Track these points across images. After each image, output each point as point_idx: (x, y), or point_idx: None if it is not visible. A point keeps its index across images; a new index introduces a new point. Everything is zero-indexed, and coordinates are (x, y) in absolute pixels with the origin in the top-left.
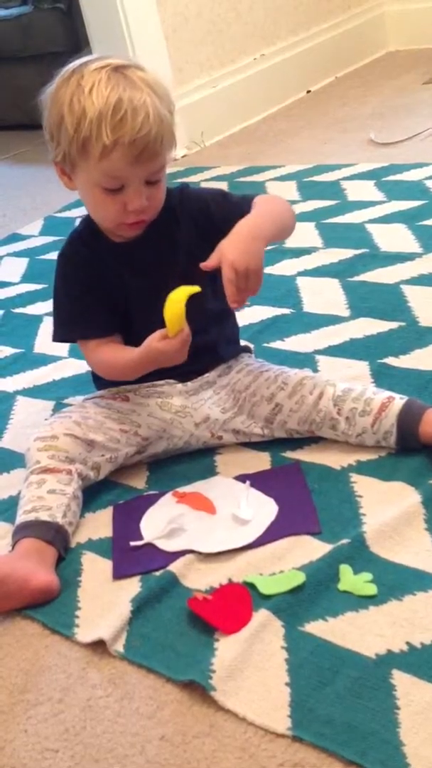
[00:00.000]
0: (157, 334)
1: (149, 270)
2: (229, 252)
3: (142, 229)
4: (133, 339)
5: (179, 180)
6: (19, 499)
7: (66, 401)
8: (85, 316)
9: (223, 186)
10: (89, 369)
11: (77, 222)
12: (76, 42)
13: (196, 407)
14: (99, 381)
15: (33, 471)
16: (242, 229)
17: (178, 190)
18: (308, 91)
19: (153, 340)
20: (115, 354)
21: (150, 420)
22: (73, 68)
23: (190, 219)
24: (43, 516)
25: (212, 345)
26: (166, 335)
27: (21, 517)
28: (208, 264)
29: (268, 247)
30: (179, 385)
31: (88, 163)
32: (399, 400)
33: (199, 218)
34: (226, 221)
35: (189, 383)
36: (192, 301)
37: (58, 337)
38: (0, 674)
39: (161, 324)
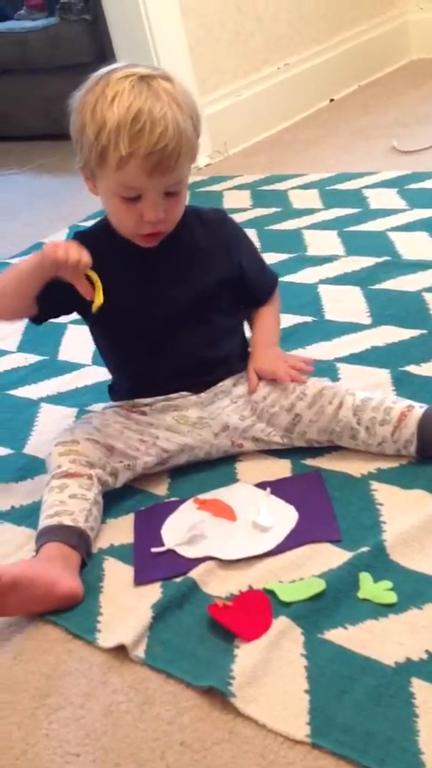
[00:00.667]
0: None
1: (158, 277)
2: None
3: (157, 241)
4: (123, 343)
5: (203, 189)
6: (41, 504)
7: (89, 408)
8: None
9: (246, 195)
10: (110, 378)
11: (91, 225)
12: (102, 53)
13: (214, 417)
14: (114, 393)
15: (54, 475)
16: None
17: (215, 211)
18: (331, 100)
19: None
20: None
21: (168, 434)
22: (100, 75)
23: (215, 239)
24: (66, 521)
25: (223, 358)
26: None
27: (44, 522)
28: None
29: (291, 255)
30: (193, 397)
31: (107, 172)
32: (419, 409)
33: (228, 250)
34: (249, 286)
35: (203, 394)
36: (201, 317)
37: None
38: (22, 678)
39: (158, 330)
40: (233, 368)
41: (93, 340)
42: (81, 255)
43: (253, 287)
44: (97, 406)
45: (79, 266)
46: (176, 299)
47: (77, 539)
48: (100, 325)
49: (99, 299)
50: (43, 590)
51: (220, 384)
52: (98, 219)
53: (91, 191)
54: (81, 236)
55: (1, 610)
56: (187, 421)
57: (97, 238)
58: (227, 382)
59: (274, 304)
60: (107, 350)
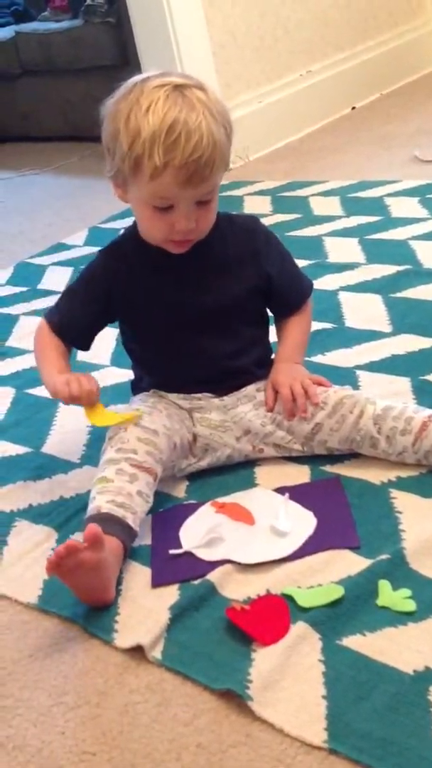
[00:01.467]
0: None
1: (187, 285)
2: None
3: (189, 247)
4: (153, 349)
5: (224, 194)
6: (102, 461)
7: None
8: (78, 321)
9: (267, 200)
10: (130, 378)
11: (121, 232)
12: (125, 56)
13: (236, 420)
14: (138, 389)
15: (128, 459)
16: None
17: (248, 218)
18: (353, 108)
19: (62, 381)
20: (51, 354)
21: (196, 436)
22: (134, 82)
23: (245, 247)
24: (129, 519)
25: (247, 367)
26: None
27: (108, 506)
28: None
29: (311, 262)
30: (216, 400)
31: (140, 181)
32: None
33: (258, 258)
34: (278, 295)
35: (225, 398)
36: (228, 326)
37: (49, 311)
38: (39, 676)
39: (185, 337)
40: (257, 374)
41: (121, 336)
42: (91, 385)
43: (282, 296)
44: (119, 408)
45: (91, 396)
46: (204, 308)
47: (131, 543)
48: (128, 324)
49: (109, 421)
50: (99, 585)
51: (244, 389)
52: (127, 227)
53: (120, 198)
54: (111, 250)
55: (73, 567)
56: (209, 424)
57: (127, 249)
58: (250, 388)
59: (304, 316)
60: (134, 348)
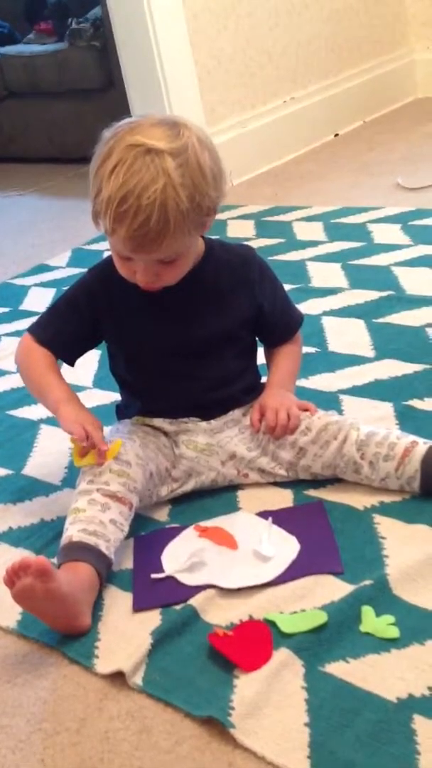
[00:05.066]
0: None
1: (178, 316)
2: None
3: (158, 289)
4: (140, 375)
5: None
6: (75, 493)
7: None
8: (63, 335)
9: (250, 225)
10: (113, 400)
11: (105, 254)
12: (110, 80)
13: (222, 445)
14: (122, 414)
15: (100, 489)
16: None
17: (243, 248)
18: (336, 135)
19: (72, 417)
20: (47, 374)
21: (179, 460)
22: (115, 131)
23: (239, 278)
24: (102, 546)
25: (235, 394)
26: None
27: (80, 534)
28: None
29: (295, 286)
30: (203, 423)
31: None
32: (423, 445)
33: (251, 289)
34: (268, 326)
35: (213, 421)
36: (217, 356)
37: (32, 327)
38: (18, 703)
39: (173, 364)
40: (244, 401)
41: (109, 361)
42: (95, 428)
43: (273, 328)
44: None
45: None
46: (193, 338)
47: (105, 570)
48: (115, 347)
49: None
50: (70, 612)
51: (230, 413)
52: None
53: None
54: (97, 274)
55: (22, 596)
56: (195, 447)
57: (114, 275)
58: (237, 412)
59: (295, 345)
60: (121, 372)
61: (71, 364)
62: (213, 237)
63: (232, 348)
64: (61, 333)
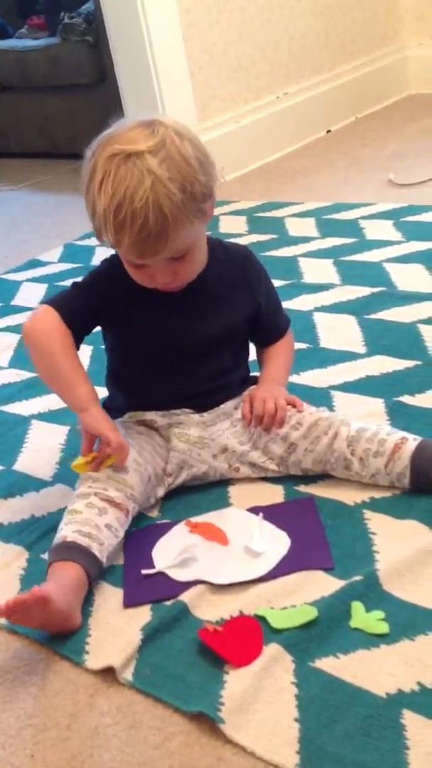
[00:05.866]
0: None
1: (182, 317)
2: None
3: (181, 287)
4: (136, 367)
5: None
6: (74, 500)
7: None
8: (82, 313)
9: (242, 221)
10: (103, 396)
11: (97, 250)
12: (103, 74)
13: (214, 438)
14: (112, 409)
15: (98, 494)
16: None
17: (241, 248)
18: (328, 131)
19: (100, 425)
20: (63, 347)
21: (172, 454)
22: (94, 148)
23: (240, 277)
24: (95, 549)
25: (226, 388)
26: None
27: (74, 535)
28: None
29: (286, 282)
30: (196, 416)
31: (108, 244)
32: (412, 442)
33: (251, 289)
34: (260, 325)
35: (206, 414)
36: (215, 352)
37: (55, 299)
38: (8, 698)
39: (172, 359)
40: (236, 392)
41: (105, 352)
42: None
43: (265, 327)
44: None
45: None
46: (196, 337)
47: (96, 572)
48: (114, 337)
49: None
50: (61, 618)
51: (222, 406)
52: None
53: None
54: (111, 268)
55: (23, 621)
56: (188, 440)
57: (123, 274)
58: (229, 404)
59: (286, 343)
60: (115, 363)
61: (77, 347)
62: (211, 236)
63: (231, 344)
64: (79, 311)
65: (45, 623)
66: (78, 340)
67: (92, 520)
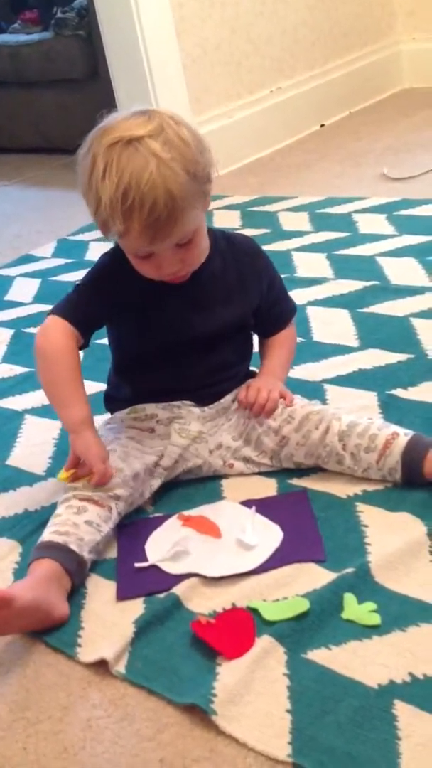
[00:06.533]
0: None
1: (188, 309)
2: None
3: (187, 277)
4: (140, 358)
5: None
6: (54, 513)
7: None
8: (92, 314)
9: (236, 215)
10: (100, 391)
11: (90, 245)
12: (95, 69)
13: (212, 433)
14: (111, 404)
15: (76, 495)
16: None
17: (248, 240)
18: (322, 125)
19: (89, 449)
20: (70, 368)
21: (171, 449)
22: (89, 142)
23: (248, 271)
24: (72, 544)
25: (231, 378)
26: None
27: (50, 536)
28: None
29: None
30: (197, 410)
31: (114, 236)
32: (404, 437)
33: (259, 283)
34: (261, 317)
35: (206, 408)
36: (221, 344)
37: (61, 306)
38: (1, 691)
39: (178, 351)
40: (238, 386)
41: (109, 343)
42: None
43: (267, 317)
44: (103, 418)
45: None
46: (207, 329)
47: (75, 566)
48: (120, 329)
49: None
50: (42, 615)
51: (223, 400)
52: None
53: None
54: (118, 260)
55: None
56: (188, 435)
57: (128, 266)
58: (228, 398)
59: (289, 334)
60: (120, 354)
61: (86, 346)
62: (212, 228)
63: (238, 336)
64: (89, 312)
65: (24, 625)
66: (87, 343)
67: (70, 519)
